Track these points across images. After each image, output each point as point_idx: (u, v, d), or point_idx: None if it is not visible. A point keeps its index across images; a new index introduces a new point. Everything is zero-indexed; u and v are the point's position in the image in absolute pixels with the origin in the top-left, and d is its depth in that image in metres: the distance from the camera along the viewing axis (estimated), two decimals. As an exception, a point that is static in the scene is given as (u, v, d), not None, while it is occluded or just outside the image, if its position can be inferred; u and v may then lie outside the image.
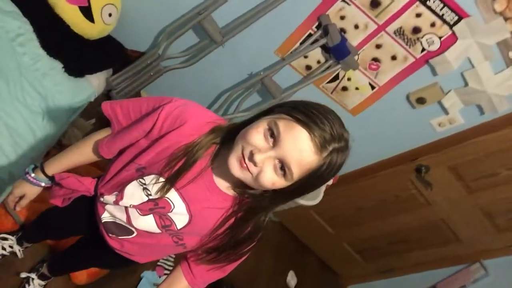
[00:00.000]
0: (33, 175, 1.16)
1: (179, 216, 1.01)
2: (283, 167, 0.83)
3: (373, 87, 2.08)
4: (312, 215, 2.93)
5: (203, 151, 0.95)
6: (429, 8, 1.75)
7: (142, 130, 1.01)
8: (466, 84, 1.93)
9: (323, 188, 2.43)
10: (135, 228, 1.08)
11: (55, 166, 1.16)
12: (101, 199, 1.11)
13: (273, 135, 0.83)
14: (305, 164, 0.82)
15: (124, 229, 1.10)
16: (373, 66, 2.00)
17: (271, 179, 0.84)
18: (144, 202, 1.02)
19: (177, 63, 2.13)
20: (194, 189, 0.97)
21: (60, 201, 1.19)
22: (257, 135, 0.84)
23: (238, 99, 2.24)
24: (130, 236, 1.10)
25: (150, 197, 1.00)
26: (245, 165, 0.84)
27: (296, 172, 0.83)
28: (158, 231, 1.05)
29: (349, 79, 2.08)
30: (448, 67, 1.88)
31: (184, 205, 0.99)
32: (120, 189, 1.05)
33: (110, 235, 1.13)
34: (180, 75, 2.23)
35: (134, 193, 1.03)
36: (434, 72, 1.94)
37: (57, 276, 1.64)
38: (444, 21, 1.77)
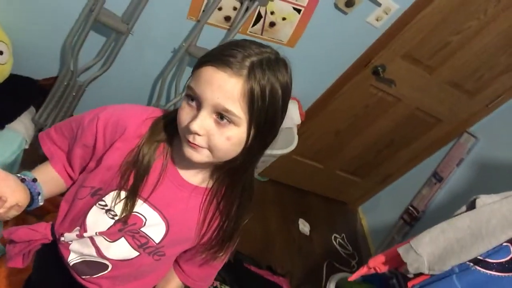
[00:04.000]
0: (31, 179, 0.88)
1: (154, 227, 0.91)
2: (223, 116, 0.74)
3: (299, 11, 1.96)
4: (296, 159, 2.86)
5: (151, 153, 0.85)
6: None
7: (83, 146, 0.91)
8: (386, -32, 1.84)
9: (294, 130, 2.36)
10: (109, 260, 0.96)
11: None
12: (62, 238, 0.98)
13: (194, 98, 0.75)
14: (234, 93, 0.72)
15: (96, 266, 0.98)
16: (290, -11, 1.87)
17: (222, 135, 0.75)
18: (111, 226, 0.91)
19: (95, 71, 1.95)
20: (163, 192, 0.88)
21: (20, 260, 1.04)
22: (183, 112, 0.77)
23: (174, 81, 2.09)
24: (105, 272, 0.98)
25: (116, 218, 0.89)
26: (194, 144, 0.76)
27: (235, 108, 0.73)
28: (135, 254, 0.94)
29: (272, 13, 1.95)
30: (362, -43, 1.77)
31: (157, 213, 0.89)
32: (80, 222, 0.93)
33: (84, 277, 1.00)
34: (105, 82, 2.06)
35: (97, 220, 0.92)
36: (350, -31, 1.83)
37: None
38: None
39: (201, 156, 0.78)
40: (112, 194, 0.88)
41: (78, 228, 0.95)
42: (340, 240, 3.02)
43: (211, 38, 1.98)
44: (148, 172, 0.86)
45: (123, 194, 0.87)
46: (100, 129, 0.88)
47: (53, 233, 1.02)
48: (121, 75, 2.10)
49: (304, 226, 2.93)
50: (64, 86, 1.93)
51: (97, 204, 0.91)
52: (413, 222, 2.79)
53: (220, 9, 1.89)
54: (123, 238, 0.92)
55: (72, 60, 1.86)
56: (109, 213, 0.90)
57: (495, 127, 2.58)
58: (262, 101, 0.74)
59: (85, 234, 0.93)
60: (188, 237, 0.95)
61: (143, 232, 0.91)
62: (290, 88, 0.80)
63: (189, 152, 0.78)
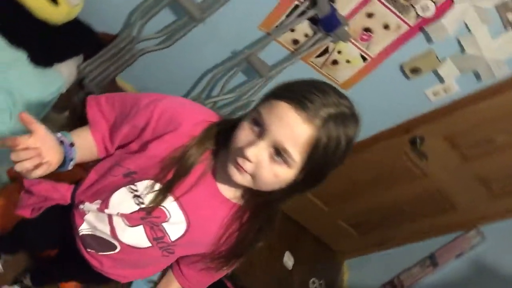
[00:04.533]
0: (69, 143, 0.86)
1: (175, 226, 0.91)
2: (280, 154, 0.73)
3: (365, 59, 1.96)
4: (306, 194, 2.84)
5: (196, 157, 0.85)
6: (423, -30, 1.64)
7: (133, 126, 0.89)
8: (463, 50, 1.83)
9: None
10: (120, 242, 0.95)
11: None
12: (81, 206, 0.97)
13: (259, 124, 0.74)
14: (300, 138, 0.72)
15: (105, 244, 0.97)
16: (365, 37, 1.87)
17: (271, 170, 0.75)
18: (134, 212, 0.90)
19: (153, 44, 1.97)
20: (195, 196, 0.88)
21: (29, 212, 1.03)
22: (243, 133, 0.76)
23: (222, 80, 2.10)
24: (112, 252, 0.98)
25: (142, 206, 0.89)
26: (241, 167, 0.76)
27: (295, 152, 0.73)
28: (147, 244, 0.94)
29: (339, 52, 1.96)
30: (444, 33, 1.77)
31: (182, 214, 0.89)
32: (104, 197, 0.93)
33: (89, 250, 1.00)
34: (157, 58, 2.07)
35: (122, 202, 0.91)
36: (429, 40, 1.83)
37: (42, 287, 1.51)
38: (440, -16, 1.66)
39: (243, 179, 0.78)
40: (146, 182, 0.88)
41: (99, 201, 0.94)
42: (317, 286, 2.98)
43: (273, 54, 1.99)
44: (189, 173, 0.85)
45: (157, 186, 0.87)
46: (156, 116, 0.87)
47: (72, 198, 1.02)
48: (176, 58, 2.11)
49: (288, 260, 2.90)
50: (120, 47, 1.94)
51: (127, 186, 0.90)
52: (393, 295, 2.76)
53: (292, 30, 1.90)
54: (141, 226, 0.92)
55: (138, 26, 1.87)
56: (137, 199, 0.89)
57: (506, 233, 2.54)
58: (324, 153, 0.74)
59: (106, 210, 0.93)
60: (203, 243, 0.94)
61: (163, 227, 0.91)
62: (353, 143, 0.79)
63: (233, 171, 0.78)
